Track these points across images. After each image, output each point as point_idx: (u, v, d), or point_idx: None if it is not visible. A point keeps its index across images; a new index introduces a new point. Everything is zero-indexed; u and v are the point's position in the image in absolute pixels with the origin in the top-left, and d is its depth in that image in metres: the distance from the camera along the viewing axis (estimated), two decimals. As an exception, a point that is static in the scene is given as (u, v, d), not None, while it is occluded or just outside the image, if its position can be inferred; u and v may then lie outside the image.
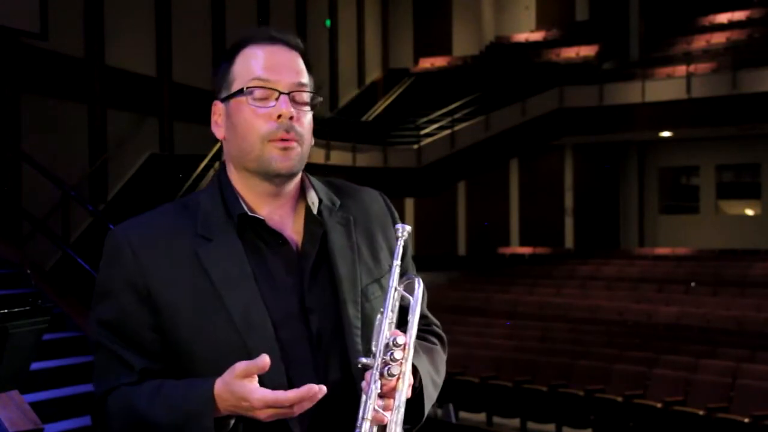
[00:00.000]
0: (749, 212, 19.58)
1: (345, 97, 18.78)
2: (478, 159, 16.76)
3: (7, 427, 3.37)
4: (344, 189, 1.65)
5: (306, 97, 1.53)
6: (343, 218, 1.58)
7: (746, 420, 7.42)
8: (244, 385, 1.34)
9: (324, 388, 1.34)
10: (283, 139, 1.48)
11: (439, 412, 9.30)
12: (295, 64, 1.54)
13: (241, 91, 1.51)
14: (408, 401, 1.45)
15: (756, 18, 18.38)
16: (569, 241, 19.42)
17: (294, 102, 1.50)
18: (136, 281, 1.46)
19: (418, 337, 1.60)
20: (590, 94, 16.74)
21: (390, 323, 1.43)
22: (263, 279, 1.48)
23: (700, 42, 18.34)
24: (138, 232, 1.51)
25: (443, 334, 1.73)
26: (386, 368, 1.38)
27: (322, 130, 13.94)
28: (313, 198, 1.57)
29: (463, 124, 16.63)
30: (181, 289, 1.46)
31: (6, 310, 3.22)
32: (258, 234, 1.51)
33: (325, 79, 17.43)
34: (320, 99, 1.57)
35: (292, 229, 1.55)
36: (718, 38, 18.12)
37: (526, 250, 19.13)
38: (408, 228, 1.51)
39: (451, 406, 9.40)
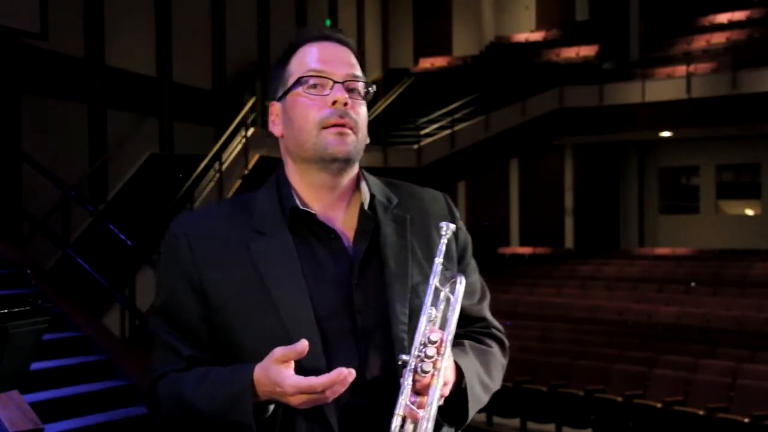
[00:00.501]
0: (749, 212, 19.58)
1: (345, 97, 18.76)
2: (478, 159, 16.75)
3: (7, 427, 3.37)
4: (404, 188, 1.67)
5: (360, 87, 1.57)
6: (398, 216, 1.60)
7: (746, 420, 7.41)
8: (280, 370, 1.37)
9: (353, 372, 1.35)
10: (337, 125, 1.51)
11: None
12: (348, 57, 1.58)
13: (296, 83, 1.55)
14: (451, 400, 1.48)
15: (756, 18, 18.38)
16: (569, 241, 19.41)
17: (348, 91, 1.54)
18: (191, 273, 1.51)
19: (473, 339, 1.63)
20: (590, 94, 16.74)
21: (431, 321, 1.44)
22: (312, 273, 1.51)
23: (700, 42, 18.34)
24: (193, 225, 1.56)
25: (504, 339, 1.71)
26: (420, 365, 1.39)
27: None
28: (365, 193, 1.59)
29: (463, 124, 16.63)
30: (231, 281, 1.50)
31: (6, 310, 3.22)
32: (309, 228, 1.54)
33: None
34: (374, 89, 1.60)
35: (345, 224, 1.57)
36: (718, 38, 18.11)
37: (526, 250, 19.13)
38: (452, 227, 1.53)
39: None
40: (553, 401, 8.95)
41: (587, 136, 17.98)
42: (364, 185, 1.60)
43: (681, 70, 16.30)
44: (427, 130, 16.56)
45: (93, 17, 11.07)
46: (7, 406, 3.43)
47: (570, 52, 18.89)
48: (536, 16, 21.06)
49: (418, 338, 1.42)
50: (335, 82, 1.53)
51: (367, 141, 1.58)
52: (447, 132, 16.40)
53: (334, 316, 1.49)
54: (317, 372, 1.40)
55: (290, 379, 1.36)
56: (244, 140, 11.79)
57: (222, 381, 1.44)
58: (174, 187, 10.40)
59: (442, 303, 1.48)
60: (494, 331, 1.70)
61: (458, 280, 1.49)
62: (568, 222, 19.51)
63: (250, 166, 11.91)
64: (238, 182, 11.63)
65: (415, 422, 1.38)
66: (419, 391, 1.40)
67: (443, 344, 1.41)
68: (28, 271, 6.63)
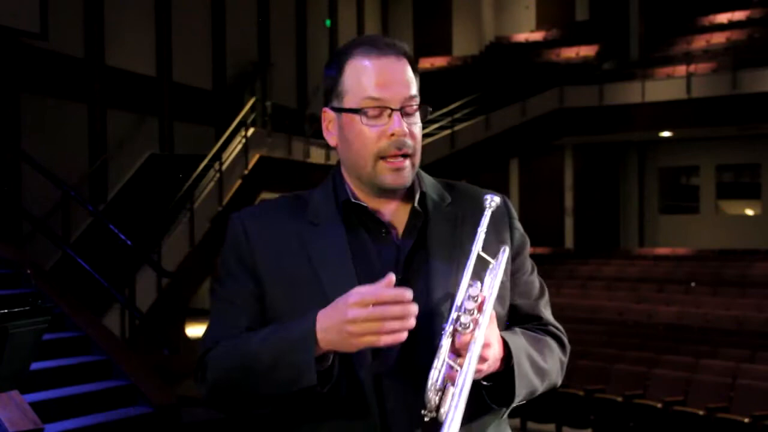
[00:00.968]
0: (749, 212, 19.58)
1: (345, 97, 18.75)
2: (478, 159, 16.76)
3: (7, 427, 3.37)
4: (459, 188, 1.72)
5: (417, 110, 1.58)
6: (449, 213, 1.63)
7: (746, 420, 7.41)
8: (359, 288, 1.39)
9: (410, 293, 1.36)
10: (395, 156, 1.55)
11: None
12: (404, 75, 1.58)
13: (354, 110, 1.56)
14: (499, 379, 1.49)
15: (756, 18, 18.38)
16: (569, 241, 19.42)
17: (405, 114, 1.56)
18: (246, 259, 1.60)
19: (528, 330, 1.63)
20: (590, 94, 16.75)
21: (471, 287, 1.45)
22: (360, 263, 1.55)
23: (700, 42, 18.35)
24: (251, 217, 1.64)
25: (564, 338, 1.71)
26: (459, 321, 1.41)
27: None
28: (417, 190, 1.63)
29: (463, 124, 16.63)
30: (284, 268, 1.57)
31: (6, 310, 3.22)
32: (361, 221, 1.60)
33: (325, 79, 17.41)
34: (430, 109, 1.63)
35: (395, 219, 1.61)
36: (718, 38, 18.12)
37: (526, 250, 19.10)
38: (497, 198, 1.58)
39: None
40: (553, 401, 8.94)
41: (587, 136, 17.98)
42: (416, 183, 1.63)
43: (681, 70, 16.30)
44: (427, 130, 16.55)
45: (93, 17, 11.07)
46: (7, 406, 3.43)
47: (570, 52, 18.89)
48: (536, 16, 21.06)
49: (458, 298, 1.43)
50: (393, 110, 1.54)
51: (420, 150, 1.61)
52: (447, 132, 16.41)
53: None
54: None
55: (356, 289, 1.38)
56: (244, 140, 11.79)
57: (285, 327, 1.48)
58: (174, 187, 10.40)
59: (488, 276, 1.50)
60: (552, 329, 1.70)
61: (502, 249, 1.55)
62: (568, 222, 19.51)
63: (250, 166, 11.90)
64: (238, 182, 11.63)
65: (452, 381, 1.38)
66: (459, 349, 1.40)
67: (484, 302, 1.43)
68: (28, 271, 6.62)
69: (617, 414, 8.38)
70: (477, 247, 1.50)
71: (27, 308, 3.32)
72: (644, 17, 19.24)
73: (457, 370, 1.38)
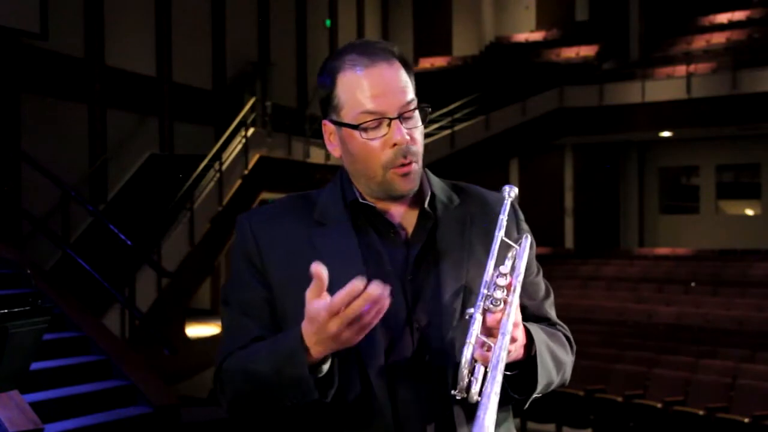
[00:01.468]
0: (749, 212, 19.58)
1: (345, 97, 18.75)
2: (478, 159, 16.75)
3: (7, 427, 3.37)
4: (468, 190, 1.71)
5: (415, 112, 1.57)
6: (459, 215, 1.63)
7: (746, 420, 7.41)
8: (311, 304, 1.38)
9: (386, 290, 1.35)
10: (402, 164, 1.54)
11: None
12: (398, 81, 1.55)
13: (352, 126, 1.54)
14: (519, 368, 1.49)
15: (756, 18, 18.38)
16: (569, 241, 19.41)
17: (404, 120, 1.54)
18: (254, 260, 1.60)
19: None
20: (590, 94, 16.75)
21: (501, 266, 1.45)
22: (369, 262, 1.55)
23: (700, 42, 18.35)
24: (259, 217, 1.64)
25: (570, 338, 1.72)
26: (490, 299, 1.40)
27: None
28: (426, 192, 1.62)
29: (463, 124, 16.63)
30: (291, 268, 1.56)
31: (6, 310, 3.22)
32: (370, 221, 1.59)
33: (325, 79, 17.41)
34: (429, 109, 1.61)
35: (405, 220, 1.61)
36: (718, 38, 18.12)
37: (526, 250, 19.09)
38: (516, 189, 1.59)
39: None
40: (553, 401, 8.94)
41: (587, 136, 17.98)
42: (425, 184, 1.63)
43: (681, 70, 16.30)
44: (427, 130, 16.51)
45: (93, 17, 11.07)
46: (7, 406, 3.43)
47: (570, 52, 18.89)
48: (536, 16, 21.06)
49: (486, 278, 1.44)
50: (391, 119, 1.53)
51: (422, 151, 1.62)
52: (447, 132, 16.41)
53: (390, 305, 1.48)
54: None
55: (319, 303, 1.36)
56: (244, 140, 11.79)
57: (276, 340, 1.48)
58: (174, 187, 10.40)
59: (509, 260, 1.50)
60: (559, 328, 1.71)
61: (524, 236, 1.57)
62: (568, 222, 19.51)
63: (250, 166, 11.91)
64: (238, 182, 11.63)
65: (485, 363, 1.38)
66: (490, 328, 1.40)
67: (512, 283, 1.43)
68: (28, 271, 6.62)
69: (617, 414, 8.38)
70: (501, 233, 1.51)
71: (27, 308, 3.32)
72: (644, 17, 19.23)
73: (490, 347, 1.38)
